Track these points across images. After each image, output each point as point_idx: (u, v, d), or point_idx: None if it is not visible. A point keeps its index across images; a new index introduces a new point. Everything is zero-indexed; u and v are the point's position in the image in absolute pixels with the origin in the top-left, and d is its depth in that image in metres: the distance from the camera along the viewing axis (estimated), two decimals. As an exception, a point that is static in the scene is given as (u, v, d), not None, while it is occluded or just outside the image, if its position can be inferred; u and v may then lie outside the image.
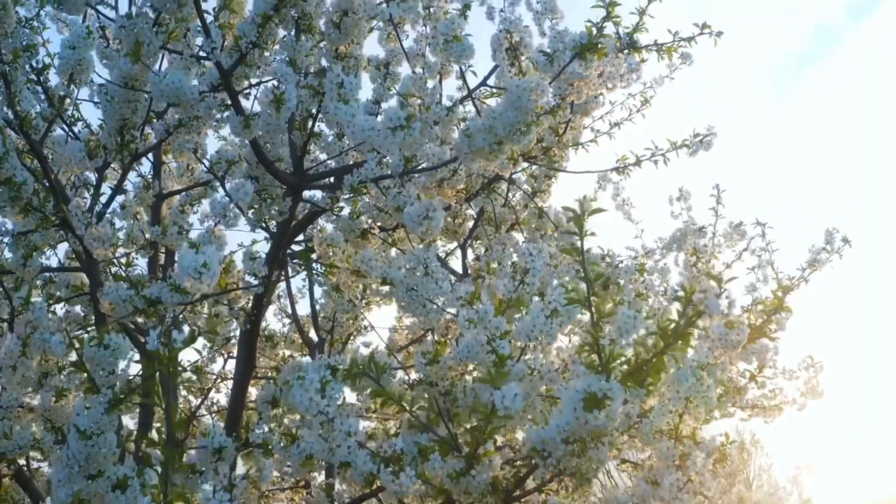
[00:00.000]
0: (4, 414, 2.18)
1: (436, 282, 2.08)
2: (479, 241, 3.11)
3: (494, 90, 2.51)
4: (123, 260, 2.54)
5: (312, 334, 3.31)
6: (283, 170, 2.30)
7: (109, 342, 1.72)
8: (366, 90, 3.68)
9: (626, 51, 2.65)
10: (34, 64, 2.37)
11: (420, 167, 2.17)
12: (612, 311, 1.68)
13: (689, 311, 1.58)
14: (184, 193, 2.96)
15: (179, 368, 1.59)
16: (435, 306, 2.13)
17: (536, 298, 1.80)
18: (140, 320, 2.13)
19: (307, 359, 2.16)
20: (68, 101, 2.46)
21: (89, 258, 2.37)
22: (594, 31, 2.00)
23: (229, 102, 2.11)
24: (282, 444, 2.04)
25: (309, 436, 2.01)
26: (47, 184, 2.25)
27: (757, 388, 2.70)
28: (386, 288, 2.23)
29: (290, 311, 3.34)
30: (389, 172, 2.14)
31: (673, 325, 1.57)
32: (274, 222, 2.33)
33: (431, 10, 2.16)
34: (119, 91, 2.12)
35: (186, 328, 2.97)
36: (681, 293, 1.58)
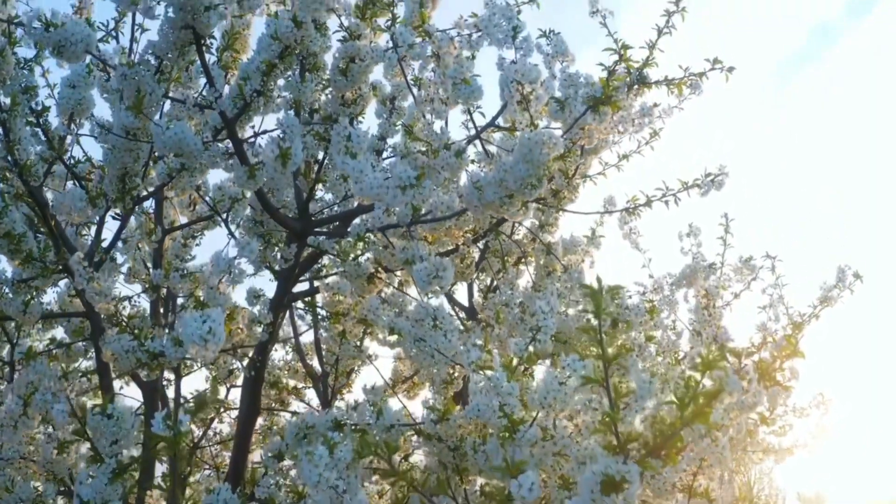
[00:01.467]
0: (5, 465, 2.15)
1: (445, 334, 2.05)
2: (484, 273, 3.07)
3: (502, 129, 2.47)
4: (126, 311, 2.50)
5: (316, 363, 3.29)
6: (287, 215, 2.26)
7: (113, 411, 1.68)
8: (370, 120, 3.64)
9: (636, 86, 2.61)
10: (34, 105, 2.33)
11: (428, 218, 2.12)
12: (621, 357, 1.65)
13: (707, 384, 1.54)
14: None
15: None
16: (444, 357, 2.10)
17: (549, 364, 1.76)
18: (143, 373, 2.09)
19: (314, 415, 2.11)
20: (69, 140, 2.42)
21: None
22: (607, 82, 1.95)
23: (233, 150, 2.06)
24: (288, 502, 2.01)
25: (316, 493, 1.98)
26: (48, 230, 2.20)
27: (767, 427, 2.68)
28: (394, 337, 2.19)
29: (293, 340, 3.31)
30: (396, 221, 2.10)
31: (691, 403, 1.53)
32: (278, 266, 2.29)
33: (440, 56, 2.11)
34: (120, 140, 2.07)
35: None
36: (697, 368, 1.54)
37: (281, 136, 1.94)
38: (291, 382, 3.35)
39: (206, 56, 2.02)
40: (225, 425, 3.49)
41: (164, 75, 2.04)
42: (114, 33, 2.55)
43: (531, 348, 1.94)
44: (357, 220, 2.27)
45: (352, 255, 2.20)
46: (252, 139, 2.16)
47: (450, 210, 2.14)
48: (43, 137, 2.33)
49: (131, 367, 2.04)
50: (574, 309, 2.69)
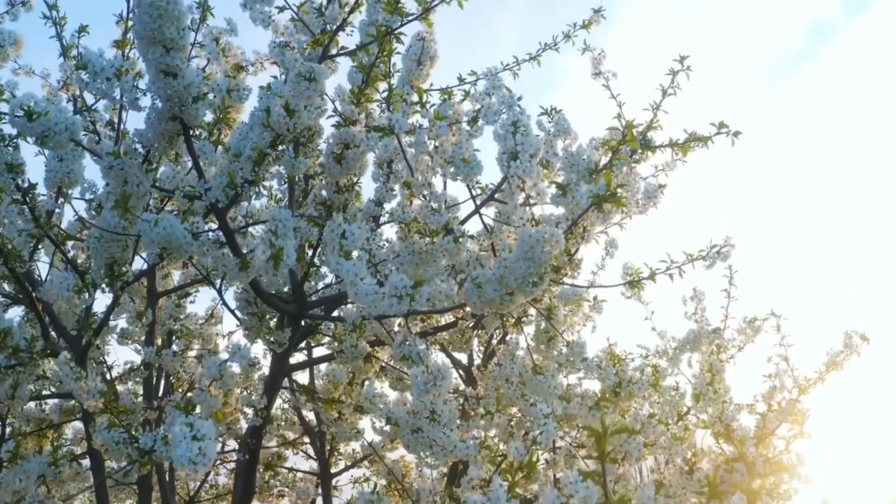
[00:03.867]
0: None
1: (442, 428, 1.99)
2: (483, 330, 3.01)
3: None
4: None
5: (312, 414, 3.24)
6: (281, 297, 2.20)
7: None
8: (367, 186, 3.56)
9: (640, 151, 2.54)
10: (20, 183, 2.25)
11: (426, 309, 2.06)
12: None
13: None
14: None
15: None
16: (441, 448, 2.04)
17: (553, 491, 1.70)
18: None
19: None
20: (57, 213, 2.35)
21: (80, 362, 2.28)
22: (611, 177, 1.88)
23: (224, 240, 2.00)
24: None
25: None
26: (35, 314, 2.14)
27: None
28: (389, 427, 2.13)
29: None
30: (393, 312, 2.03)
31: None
32: (272, 348, 2.23)
33: (439, 145, 2.04)
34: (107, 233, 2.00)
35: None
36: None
37: (273, 230, 1.88)
38: (289, 434, 3.30)
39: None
40: (221, 476, 3.45)
41: (151, 165, 1.97)
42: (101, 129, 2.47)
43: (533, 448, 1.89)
44: (353, 307, 2.20)
45: (348, 342, 2.14)
46: (243, 227, 2.09)
47: (448, 299, 2.08)
48: (30, 215, 2.26)
49: (122, 459, 1.99)
50: (576, 376, 2.63)
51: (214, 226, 2.07)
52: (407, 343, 1.97)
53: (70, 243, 2.65)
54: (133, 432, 2.03)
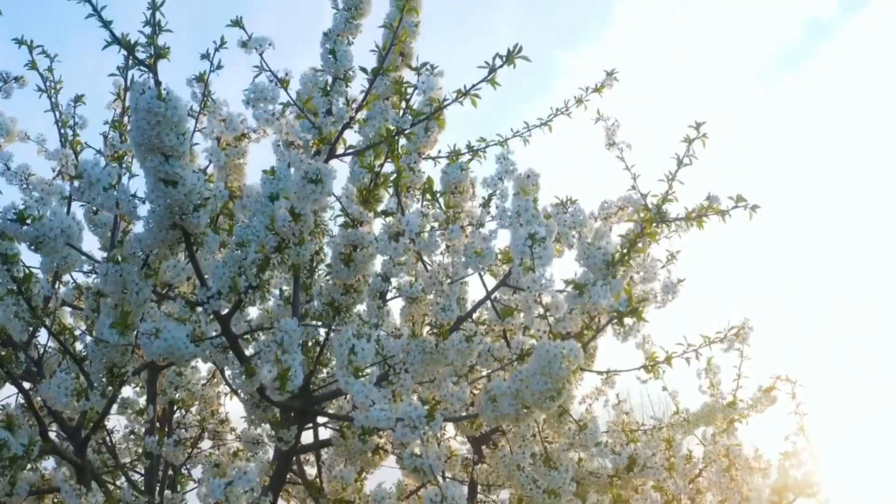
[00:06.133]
0: None
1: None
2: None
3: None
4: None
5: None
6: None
7: None
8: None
9: (654, 224, 2.47)
10: (15, 274, 2.17)
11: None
12: None
13: None
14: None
15: None
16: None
17: None
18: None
19: None
20: (52, 302, 2.27)
21: (81, 476, 2.21)
22: (631, 290, 1.80)
23: (228, 345, 1.92)
24: None
25: None
26: (33, 414, 2.07)
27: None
28: None
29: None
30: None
31: None
32: (277, 445, 2.16)
33: (451, 246, 1.96)
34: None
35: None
36: None
37: (279, 342, 1.80)
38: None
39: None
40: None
41: (151, 270, 1.89)
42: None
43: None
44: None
45: (355, 442, 2.07)
46: (247, 333, 2.01)
47: (461, 402, 2.01)
48: (25, 305, 2.18)
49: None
50: (587, 453, 2.56)
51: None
52: (419, 456, 1.90)
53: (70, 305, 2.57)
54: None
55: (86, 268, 2.62)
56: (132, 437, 3.05)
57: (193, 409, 3.13)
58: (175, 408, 2.93)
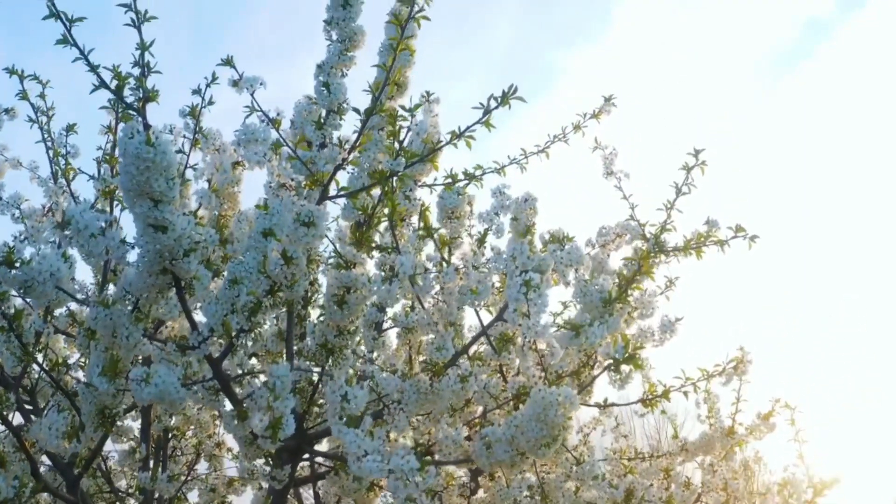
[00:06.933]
0: None
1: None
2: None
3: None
4: None
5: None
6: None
7: None
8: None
9: (652, 254, 2.45)
10: (5, 311, 2.15)
11: (433, 460, 1.97)
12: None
13: None
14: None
15: None
16: None
17: None
18: None
19: None
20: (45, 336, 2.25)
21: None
22: (628, 338, 1.77)
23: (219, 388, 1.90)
24: None
25: None
26: (26, 455, 2.05)
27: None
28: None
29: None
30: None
31: None
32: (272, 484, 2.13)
33: (444, 288, 1.93)
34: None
35: None
36: None
37: (271, 388, 1.78)
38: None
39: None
40: None
41: (141, 313, 1.87)
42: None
43: None
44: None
45: (349, 482, 2.05)
46: (240, 377, 1.98)
47: (456, 446, 1.98)
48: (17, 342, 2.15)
49: None
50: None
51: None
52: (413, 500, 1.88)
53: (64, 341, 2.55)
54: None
55: (79, 296, 2.59)
56: (127, 462, 3.03)
57: (189, 433, 3.12)
58: (170, 435, 2.91)
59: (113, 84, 1.75)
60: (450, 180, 2.38)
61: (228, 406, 1.96)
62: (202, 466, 3.32)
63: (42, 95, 2.58)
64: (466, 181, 2.40)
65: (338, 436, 1.73)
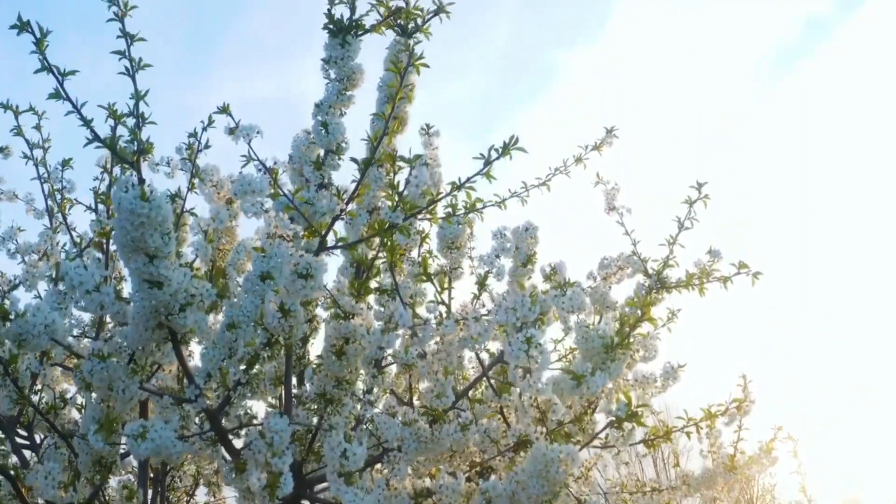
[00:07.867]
0: None
1: None
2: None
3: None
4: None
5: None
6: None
7: None
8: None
9: (654, 290, 2.43)
10: (1, 355, 2.13)
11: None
12: None
13: None
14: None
15: None
16: None
17: None
18: None
19: None
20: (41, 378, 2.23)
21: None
22: (630, 400, 1.75)
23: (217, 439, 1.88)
24: None
25: None
26: (21, 501, 2.03)
27: None
28: None
29: None
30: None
31: None
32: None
33: (444, 338, 1.91)
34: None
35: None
36: None
37: (269, 442, 1.76)
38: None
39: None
40: None
41: (137, 366, 1.84)
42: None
43: None
44: None
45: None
46: (237, 428, 1.96)
47: (456, 494, 1.96)
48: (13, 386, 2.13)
49: None
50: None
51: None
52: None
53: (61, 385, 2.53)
54: None
55: (75, 331, 2.57)
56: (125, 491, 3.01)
57: (187, 462, 3.11)
58: (168, 467, 2.89)
59: (109, 124, 1.73)
60: (450, 210, 2.36)
61: (227, 455, 1.95)
62: (201, 492, 3.31)
63: (38, 127, 2.55)
64: (466, 212, 2.38)
65: (336, 493, 1.71)
